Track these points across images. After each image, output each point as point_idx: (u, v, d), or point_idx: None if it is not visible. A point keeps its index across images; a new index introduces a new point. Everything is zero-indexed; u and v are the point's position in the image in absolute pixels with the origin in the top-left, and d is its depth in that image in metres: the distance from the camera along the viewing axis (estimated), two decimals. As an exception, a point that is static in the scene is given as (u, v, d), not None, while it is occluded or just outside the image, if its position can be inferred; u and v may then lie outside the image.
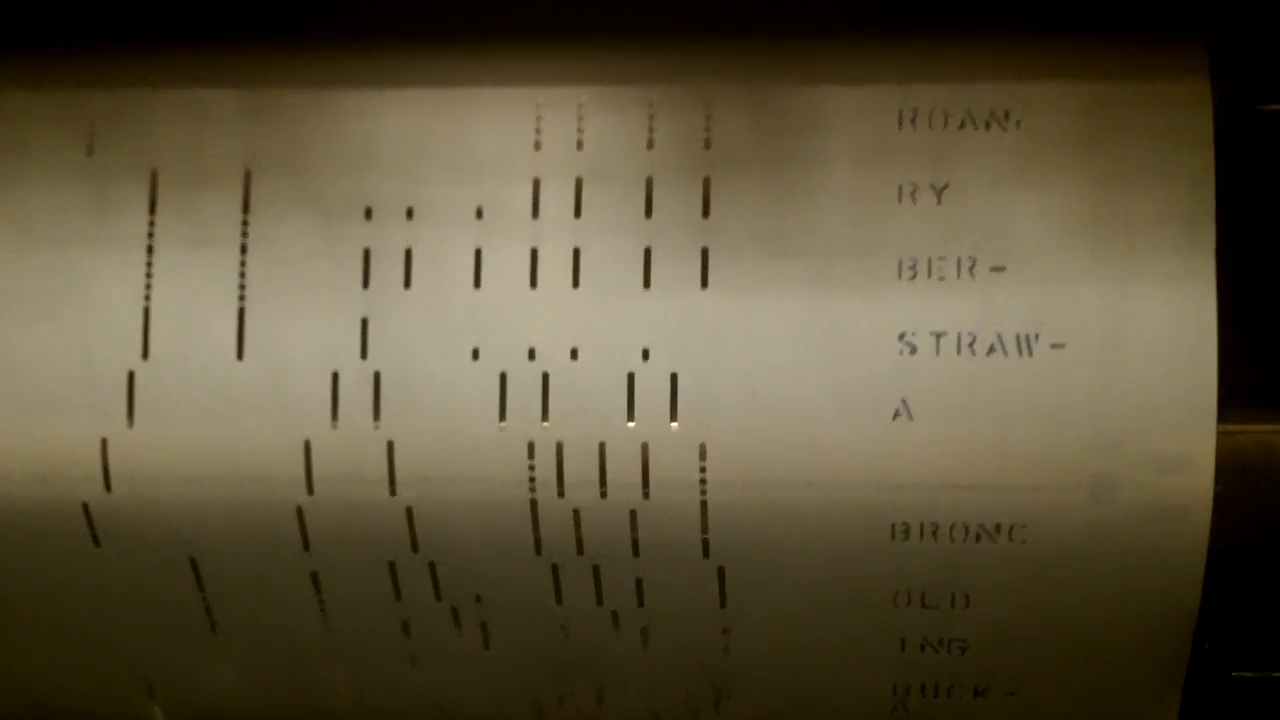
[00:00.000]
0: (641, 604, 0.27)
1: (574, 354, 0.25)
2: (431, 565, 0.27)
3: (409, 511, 0.26)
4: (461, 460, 0.26)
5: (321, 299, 0.26)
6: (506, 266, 0.26)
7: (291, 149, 0.26)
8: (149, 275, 0.26)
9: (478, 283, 0.26)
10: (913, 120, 0.26)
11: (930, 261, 0.25)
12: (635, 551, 0.26)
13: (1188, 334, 0.25)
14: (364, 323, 0.26)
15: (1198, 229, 0.25)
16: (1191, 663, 0.27)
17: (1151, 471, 0.25)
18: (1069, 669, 0.27)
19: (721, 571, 0.26)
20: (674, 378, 0.25)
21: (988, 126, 0.26)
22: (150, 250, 0.26)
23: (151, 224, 0.26)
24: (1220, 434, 0.25)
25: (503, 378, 0.26)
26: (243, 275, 0.26)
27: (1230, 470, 0.25)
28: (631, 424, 0.25)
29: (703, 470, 0.25)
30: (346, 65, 0.27)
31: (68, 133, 0.26)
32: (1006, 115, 0.26)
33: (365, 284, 0.26)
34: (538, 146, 0.26)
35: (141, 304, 0.26)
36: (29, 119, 0.27)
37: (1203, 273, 0.25)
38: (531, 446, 0.26)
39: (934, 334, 0.25)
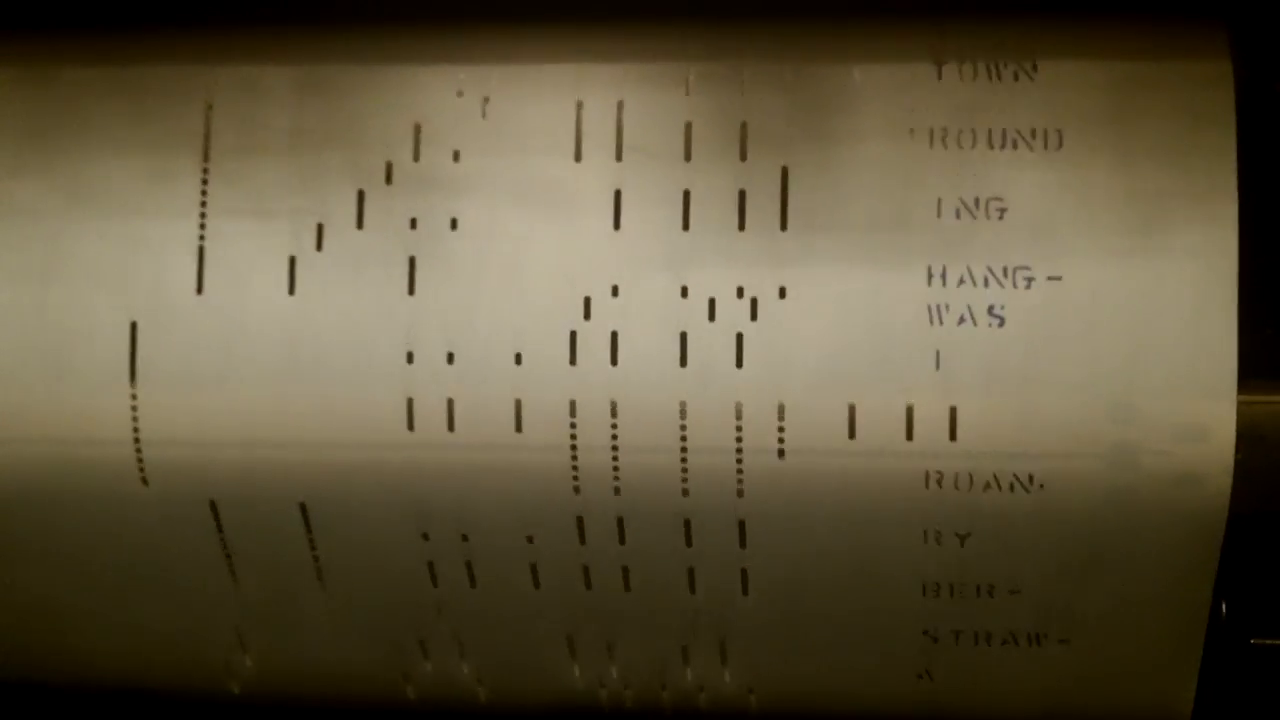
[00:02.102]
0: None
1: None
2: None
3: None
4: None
5: (370, 269, 0.27)
6: (548, 240, 0.26)
7: (341, 123, 0.27)
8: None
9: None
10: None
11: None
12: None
13: (1209, 306, 0.25)
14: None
15: (1219, 205, 0.26)
16: (1210, 629, 0.28)
17: (1172, 440, 0.26)
18: (1090, 632, 0.28)
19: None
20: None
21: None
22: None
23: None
24: (1240, 403, 0.25)
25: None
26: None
27: (1250, 439, 0.25)
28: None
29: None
30: (394, 42, 0.28)
31: (123, 107, 0.27)
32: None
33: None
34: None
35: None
36: (86, 94, 0.27)
37: (1224, 247, 0.25)
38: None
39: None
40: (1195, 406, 0.25)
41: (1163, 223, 0.26)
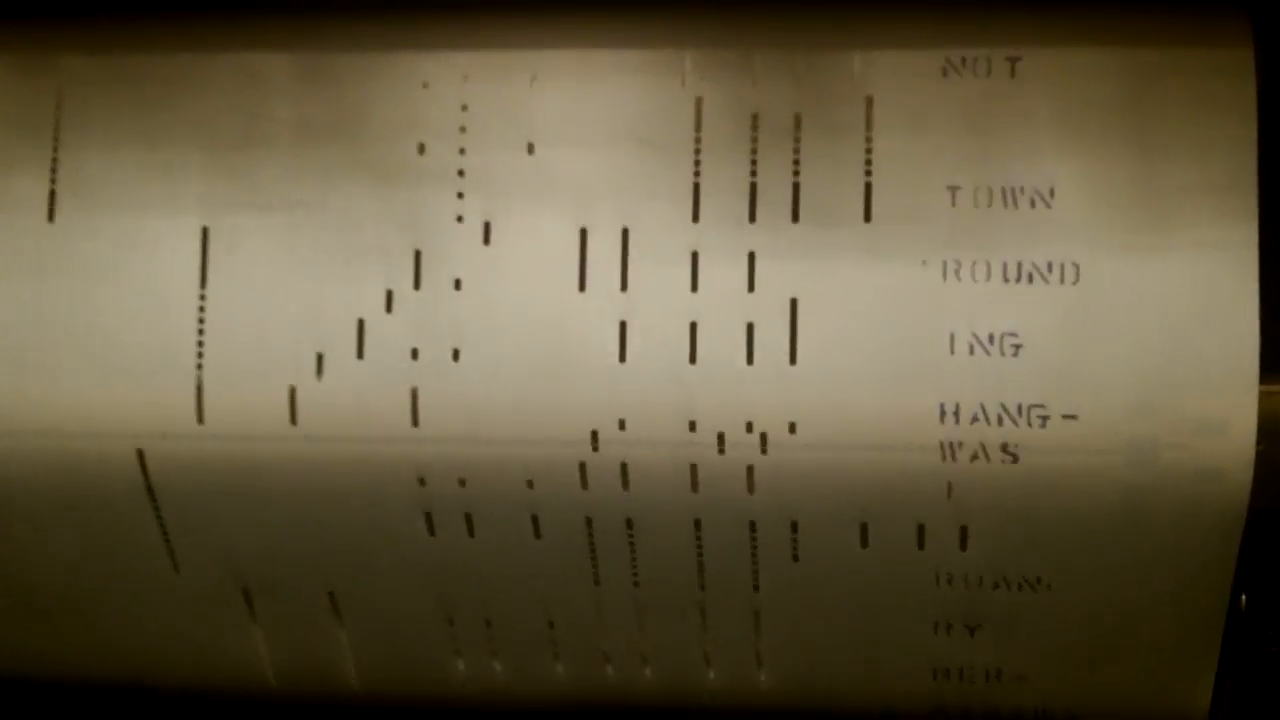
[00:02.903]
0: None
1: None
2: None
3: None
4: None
5: (373, 261, 0.26)
6: (555, 234, 0.26)
7: (343, 112, 0.27)
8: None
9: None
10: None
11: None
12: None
13: (1229, 299, 0.25)
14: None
15: (1240, 197, 0.25)
16: (1229, 632, 0.27)
17: (1191, 434, 0.25)
18: (1107, 628, 0.28)
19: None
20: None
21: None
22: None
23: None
24: (1262, 394, 0.25)
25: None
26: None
27: (1271, 432, 0.25)
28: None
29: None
30: (397, 29, 0.27)
31: (120, 97, 0.27)
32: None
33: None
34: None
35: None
36: (83, 84, 0.27)
37: (1244, 240, 0.25)
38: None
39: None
40: (1215, 400, 0.25)
41: (1182, 215, 0.25)
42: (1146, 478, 0.25)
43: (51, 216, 0.27)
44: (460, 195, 0.26)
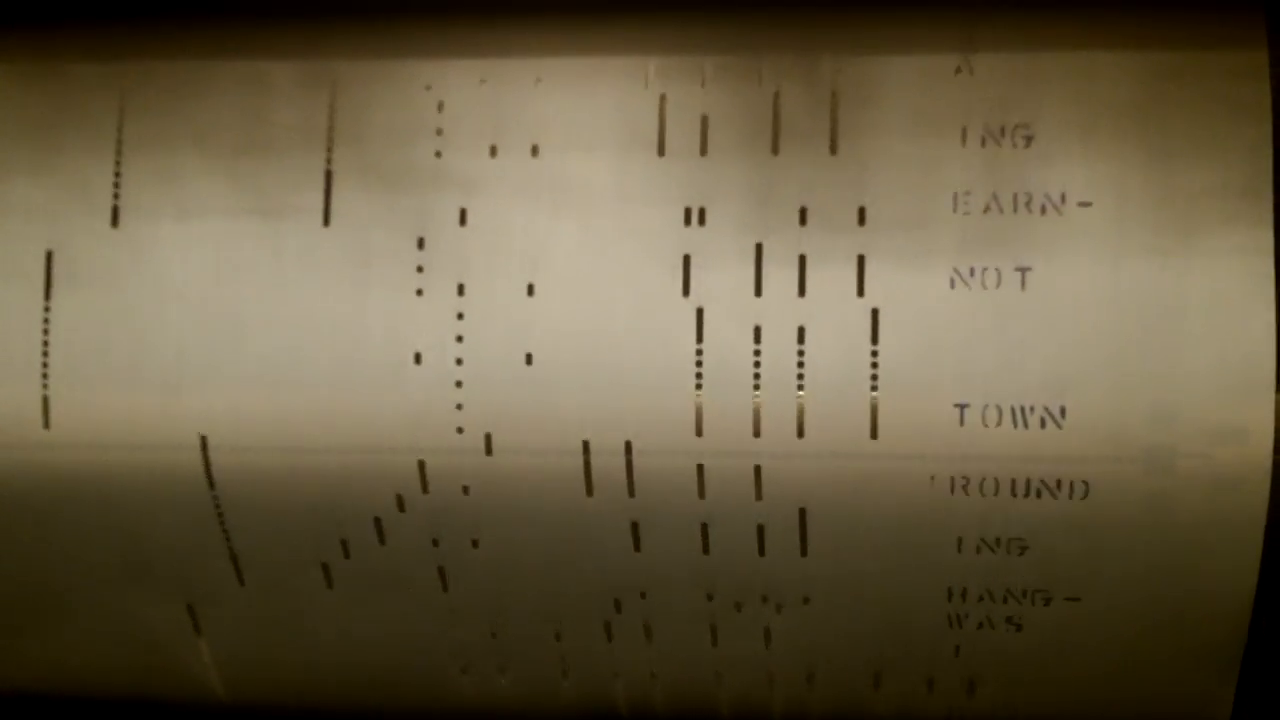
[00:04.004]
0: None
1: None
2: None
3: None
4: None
5: (388, 269, 0.26)
6: (567, 239, 0.26)
7: (355, 119, 0.27)
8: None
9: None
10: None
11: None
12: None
13: (1245, 305, 0.25)
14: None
15: (1255, 201, 0.25)
16: (1251, 642, 0.27)
17: (1209, 443, 0.25)
18: (1126, 641, 0.27)
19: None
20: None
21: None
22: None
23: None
24: (1279, 403, 0.25)
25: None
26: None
27: (1289, 441, 0.25)
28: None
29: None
30: (408, 36, 0.27)
31: (131, 105, 0.27)
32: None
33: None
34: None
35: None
36: (82, 89, 0.27)
37: (1260, 245, 0.25)
38: None
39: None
40: (1233, 408, 0.25)
41: (1197, 220, 0.25)
42: (1164, 487, 0.25)
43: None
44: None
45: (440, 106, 0.26)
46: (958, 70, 0.26)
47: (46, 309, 0.27)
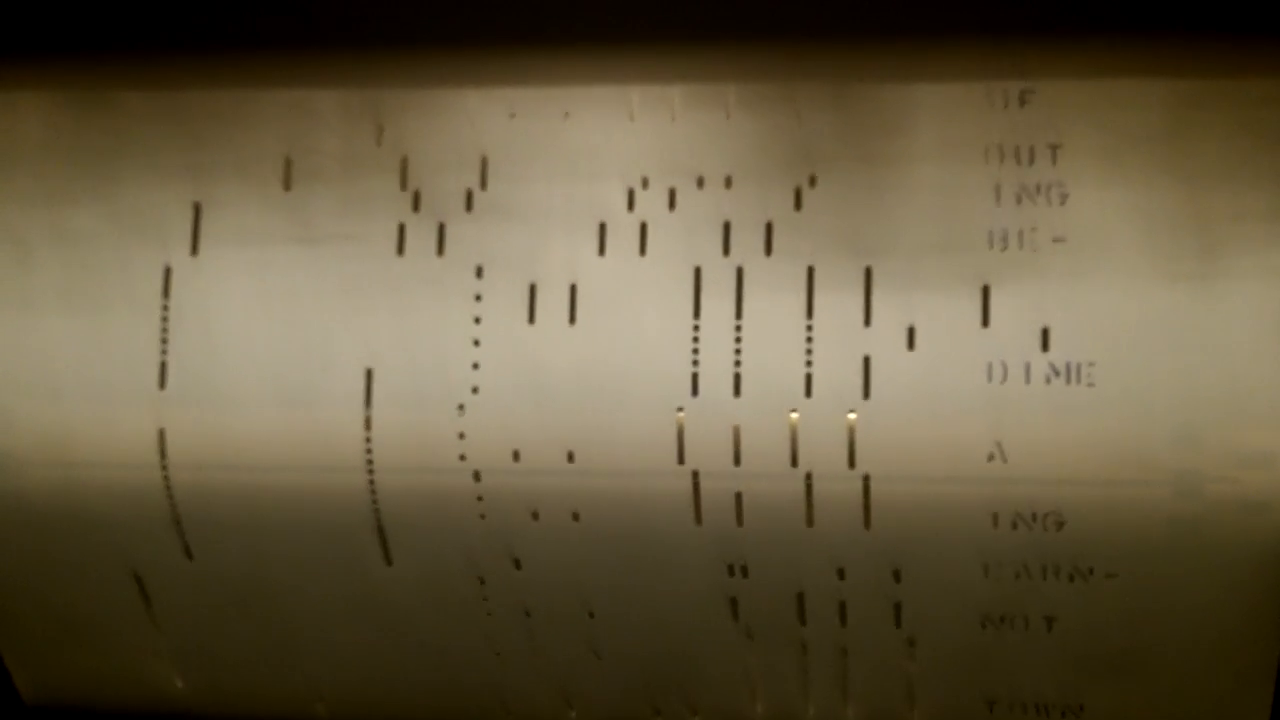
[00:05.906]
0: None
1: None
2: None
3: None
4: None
5: (422, 294, 0.27)
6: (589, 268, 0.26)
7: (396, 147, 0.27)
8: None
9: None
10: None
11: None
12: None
13: (1273, 329, 0.25)
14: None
15: None
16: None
17: (1236, 466, 0.25)
18: (1157, 664, 0.27)
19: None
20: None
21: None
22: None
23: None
24: (1305, 428, 0.25)
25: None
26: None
27: (1316, 465, 0.25)
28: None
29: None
30: (447, 65, 0.28)
31: (167, 131, 0.28)
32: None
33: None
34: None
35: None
36: (130, 118, 0.28)
37: None
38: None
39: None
40: (1260, 431, 0.25)
41: (1224, 245, 0.25)
42: (1193, 510, 0.25)
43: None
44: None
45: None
46: (988, 116, 0.26)
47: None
